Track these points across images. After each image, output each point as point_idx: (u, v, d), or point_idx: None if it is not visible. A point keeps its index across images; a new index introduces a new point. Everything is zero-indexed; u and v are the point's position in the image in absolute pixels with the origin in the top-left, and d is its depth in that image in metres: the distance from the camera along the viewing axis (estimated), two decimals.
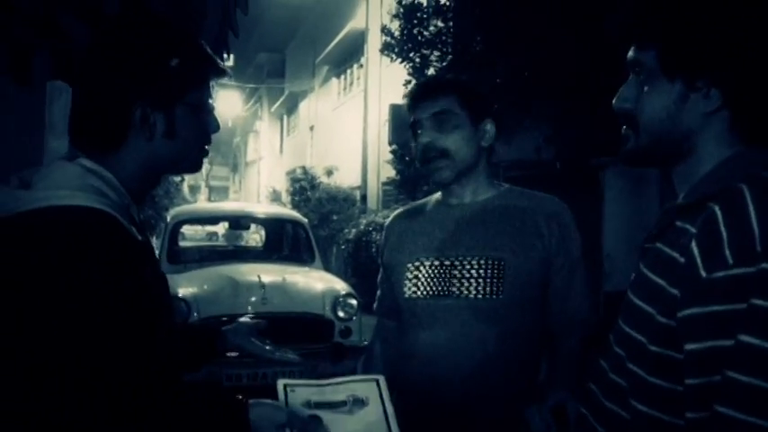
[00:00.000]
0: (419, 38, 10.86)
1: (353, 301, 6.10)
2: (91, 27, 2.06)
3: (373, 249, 13.19)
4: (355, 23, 18.24)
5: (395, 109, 12.93)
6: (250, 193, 35.23)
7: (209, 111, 1.41)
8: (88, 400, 1.08)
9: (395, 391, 1.98)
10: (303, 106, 25.93)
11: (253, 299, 5.75)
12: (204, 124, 1.41)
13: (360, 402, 1.40)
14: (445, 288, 1.83)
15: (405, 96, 2.00)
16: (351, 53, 19.63)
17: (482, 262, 1.81)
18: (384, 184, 16.41)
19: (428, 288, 1.86)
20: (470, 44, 10.60)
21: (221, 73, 1.43)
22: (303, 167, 19.84)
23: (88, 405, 1.08)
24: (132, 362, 1.12)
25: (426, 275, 1.87)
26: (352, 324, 6.00)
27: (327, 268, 7.56)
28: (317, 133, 23.71)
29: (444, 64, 10.96)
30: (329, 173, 18.90)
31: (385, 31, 11.19)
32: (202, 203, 28.11)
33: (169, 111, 1.31)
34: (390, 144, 13.82)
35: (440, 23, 10.87)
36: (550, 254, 1.84)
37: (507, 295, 1.80)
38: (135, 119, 1.29)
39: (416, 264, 1.90)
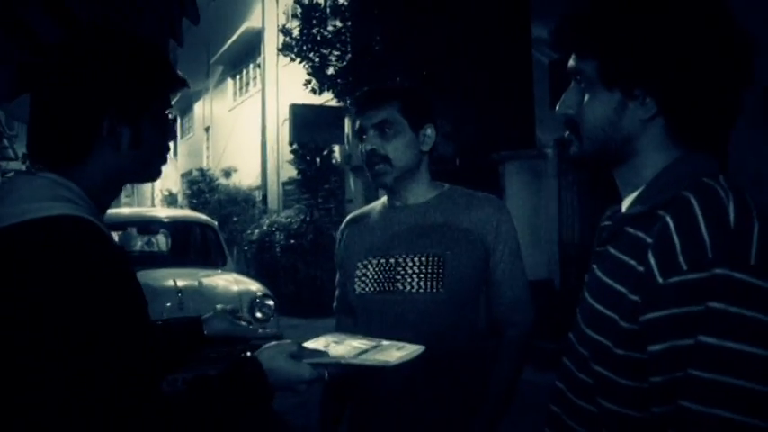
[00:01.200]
0: (318, 37, 10.90)
1: (270, 302, 6.09)
2: (62, 29, 2.01)
3: (277, 250, 13.15)
4: (251, 23, 18.06)
5: (295, 108, 12.92)
6: (144, 198, 34.22)
7: (169, 120, 1.44)
8: (83, 404, 1.11)
9: (350, 384, 2.06)
10: (198, 107, 25.43)
11: (168, 304, 5.65)
12: (166, 133, 1.44)
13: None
14: (390, 284, 1.94)
15: (351, 104, 2.09)
16: (247, 53, 19.42)
17: (423, 259, 1.92)
18: (285, 183, 16.35)
19: (375, 285, 1.97)
20: (369, 43, 10.73)
21: (182, 84, 1.46)
22: (200, 169, 19.49)
23: (83, 410, 1.10)
24: (130, 358, 1.15)
25: (373, 273, 1.98)
26: (270, 325, 6.00)
27: (237, 270, 7.50)
28: (213, 134, 23.33)
29: (344, 63, 11.05)
30: (228, 174, 18.66)
31: (283, 31, 11.16)
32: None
33: (135, 122, 1.33)
34: (291, 144, 13.81)
35: (338, 23, 10.94)
36: (488, 249, 1.95)
37: (447, 290, 1.90)
38: (102, 131, 1.29)
39: (365, 262, 2.01)
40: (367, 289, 1.99)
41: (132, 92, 1.33)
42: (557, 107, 1.24)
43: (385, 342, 1.49)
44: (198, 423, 1.22)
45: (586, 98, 1.18)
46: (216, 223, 7.99)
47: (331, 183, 14.08)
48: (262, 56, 17.60)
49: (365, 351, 1.41)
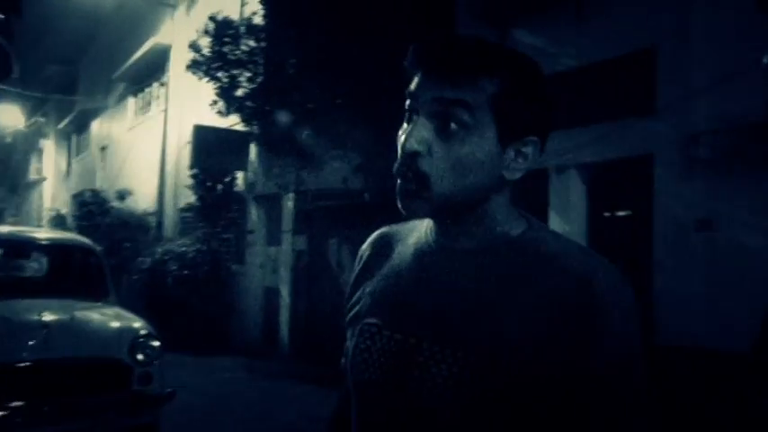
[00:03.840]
0: (229, 56, 10.27)
1: (155, 343, 5.31)
2: None
3: (169, 280, 12.28)
4: (159, 39, 17.21)
5: (199, 130, 12.17)
6: (31, 217, 32.26)
7: None
8: None
9: None
10: (95, 125, 24.18)
11: (32, 342, 4.83)
12: None
13: None
14: (398, 380, 1.17)
15: (409, 53, 1.19)
16: (152, 70, 18.49)
17: (459, 355, 1.12)
18: (183, 210, 15.48)
19: (375, 370, 1.21)
20: (283, 66, 10.18)
21: None
22: (93, 190, 18.36)
23: None
24: None
25: (378, 350, 1.21)
26: (153, 369, 5.21)
27: (122, 303, 6.65)
28: (109, 154, 22.14)
29: (254, 86, 10.44)
30: (122, 197, 17.61)
31: (194, 47, 10.47)
32: None
33: None
34: (191, 168, 13.03)
35: (252, 43, 10.35)
36: (573, 365, 1.07)
37: (488, 414, 1.10)
38: None
39: (372, 327, 1.24)
40: (367, 373, 1.22)
41: None
42: None
43: None
44: None
45: None
46: (100, 248, 7.13)
47: (232, 211, 13.36)
48: (168, 74, 16.75)
49: None
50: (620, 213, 7.08)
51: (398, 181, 1.13)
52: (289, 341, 11.31)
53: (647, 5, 6.61)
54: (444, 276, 1.18)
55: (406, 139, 1.10)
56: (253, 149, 12.38)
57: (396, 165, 1.13)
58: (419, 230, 1.28)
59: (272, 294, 12.04)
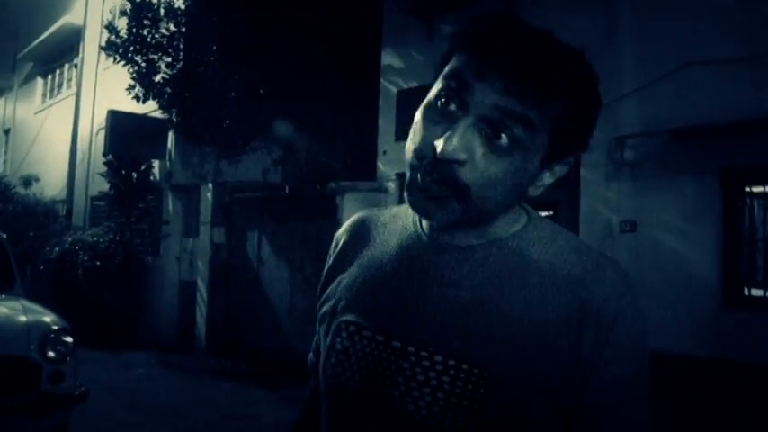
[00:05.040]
0: (148, 39, 9.87)
1: (68, 338, 4.98)
2: None
3: (79, 272, 11.75)
4: (71, 18, 16.44)
5: (114, 116, 11.67)
6: None
7: None
8: None
9: None
10: None
11: None
12: None
13: None
14: (381, 388, 1.04)
15: (454, 33, 1.02)
16: (63, 51, 17.65)
17: (451, 364, 1.00)
18: (94, 198, 14.86)
19: (355, 375, 1.07)
20: (204, 52, 9.87)
21: None
22: None
23: None
24: None
25: (359, 353, 1.07)
26: (66, 367, 4.89)
27: (27, 295, 6.26)
28: (14, 138, 21.06)
29: (174, 72, 10.09)
30: (27, 183, 16.78)
31: (109, 27, 10.01)
32: None
33: None
34: (105, 155, 12.51)
35: (172, 27, 9.98)
36: (582, 370, 0.98)
37: (483, 428, 0.98)
38: None
39: (351, 329, 1.10)
40: (343, 377, 1.08)
41: None
42: None
43: None
44: None
45: None
46: (4, 235, 6.70)
47: (147, 201, 12.88)
48: (80, 56, 16.03)
49: None
50: (546, 213, 7.15)
51: (415, 174, 0.99)
52: (206, 336, 11.00)
53: (575, 6, 6.67)
54: (436, 273, 1.05)
55: (446, 142, 0.94)
56: (171, 137, 11.98)
57: (415, 156, 0.99)
58: (403, 218, 1.17)
59: (188, 288, 11.69)
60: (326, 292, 1.18)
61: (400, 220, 1.16)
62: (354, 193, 8.79)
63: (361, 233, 1.19)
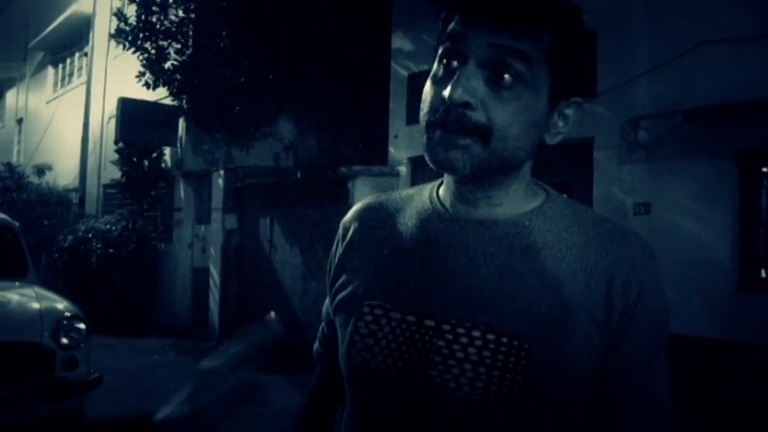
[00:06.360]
0: (158, 26, 9.84)
1: (81, 325, 5.02)
2: None
3: (93, 259, 11.82)
4: (80, 6, 16.46)
5: (125, 103, 11.69)
6: None
7: None
8: None
9: None
10: (10, 96, 23.07)
11: None
12: None
13: None
14: (417, 368, 1.03)
15: None
16: (73, 39, 17.68)
17: (490, 337, 1.00)
18: (106, 186, 14.92)
19: (389, 359, 1.05)
20: (213, 38, 9.84)
21: None
22: (9, 164, 17.50)
23: None
24: None
25: (390, 336, 1.06)
26: (79, 353, 4.93)
27: (41, 283, 6.29)
28: (27, 127, 21.17)
29: (184, 58, 10.06)
30: (41, 172, 16.88)
31: (119, 15, 9.98)
32: None
33: None
34: (117, 142, 12.53)
35: (181, 13, 9.94)
36: (610, 339, 1.01)
37: (526, 402, 1.00)
38: None
39: (377, 311, 1.08)
40: (373, 361, 1.06)
41: None
42: None
43: None
44: None
45: None
46: (17, 224, 6.73)
47: (158, 189, 12.93)
48: (90, 44, 16.04)
49: None
50: None
51: (433, 131, 1.01)
52: (219, 322, 11.04)
53: None
54: (462, 249, 1.06)
55: (453, 88, 0.97)
56: (182, 124, 11.98)
57: (428, 115, 1.01)
58: (419, 199, 1.16)
59: (201, 274, 11.73)
60: (341, 280, 1.17)
61: (415, 201, 1.17)
62: (366, 177, 8.76)
63: (373, 218, 1.19)
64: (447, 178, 1.12)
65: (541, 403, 1.01)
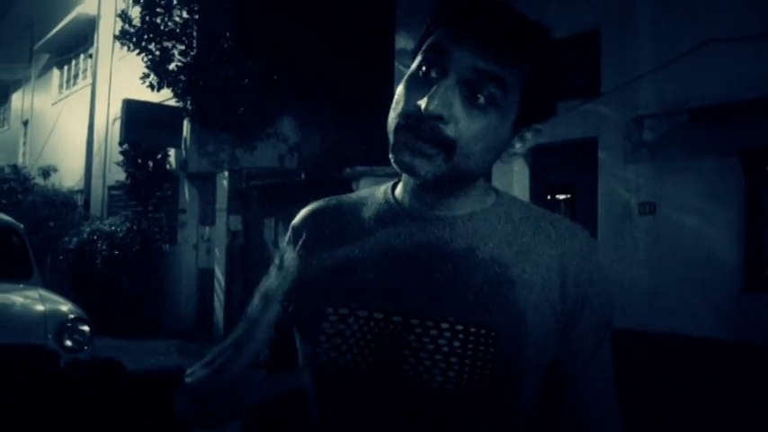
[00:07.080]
0: (162, 27, 9.85)
1: (85, 327, 5.02)
2: None
3: (98, 261, 11.83)
4: (85, 8, 16.49)
5: (129, 105, 11.70)
6: None
7: None
8: None
9: None
10: (16, 98, 23.10)
11: None
12: None
13: None
14: (390, 364, 1.06)
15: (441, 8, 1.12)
16: (78, 41, 17.71)
17: (459, 329, 1.04)
18: (111, 188, 14.94)
19: (360, 356, 1.08)
20: (217, 39, 9.85)
21: None
22: (14, 166, 17.54)
23: None
24: None
25: (359, 336, 1.08)
26: (83, 355, 4.92)
27: (46, 284, 6.29)
28: (32, 129, 21.21)
29: (188, 59, 10.08)
30: (46, 174, 16.90)
31: (123, 16, 10.00)
32: None
33: None
34: (121, 144, 12.54)
35: (185, 14, 9.96)
36: (564, 324, 1.08)
37: (494, 389, 1.05)
38: None
39: (343, 313, 1.09)
40: (342, 360, 1.08)
41: None
42: None
43: None
44: None
45: None
46: (22, 226, 6.73)
47: (163, 190, 12.93)
48: (95, 46, 16.07)
49: None
50: (564, 196, 7.09)
51: (403, 134, 1.05)
52: (224, 323, 11.04)
53: None
54: (425, 245, 1.10)
55: (430, 100, 1.01)
56: (186, 126, 12.00)
57: (399, 118, 1.05)
58: (374, 200, 1.19)
59: (206, 276, 11.73)
60: (298, 283, 1.12)
61: (370, 202, 1.20)
62: (370, 177, 8.77)
63: (325, 221, 1.21)
64: (406, 179, 1.15)
65: (510, 387, 1.06)
